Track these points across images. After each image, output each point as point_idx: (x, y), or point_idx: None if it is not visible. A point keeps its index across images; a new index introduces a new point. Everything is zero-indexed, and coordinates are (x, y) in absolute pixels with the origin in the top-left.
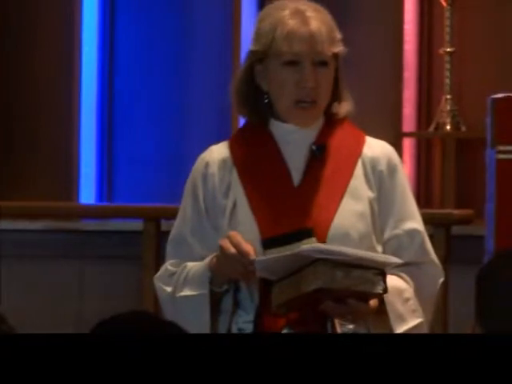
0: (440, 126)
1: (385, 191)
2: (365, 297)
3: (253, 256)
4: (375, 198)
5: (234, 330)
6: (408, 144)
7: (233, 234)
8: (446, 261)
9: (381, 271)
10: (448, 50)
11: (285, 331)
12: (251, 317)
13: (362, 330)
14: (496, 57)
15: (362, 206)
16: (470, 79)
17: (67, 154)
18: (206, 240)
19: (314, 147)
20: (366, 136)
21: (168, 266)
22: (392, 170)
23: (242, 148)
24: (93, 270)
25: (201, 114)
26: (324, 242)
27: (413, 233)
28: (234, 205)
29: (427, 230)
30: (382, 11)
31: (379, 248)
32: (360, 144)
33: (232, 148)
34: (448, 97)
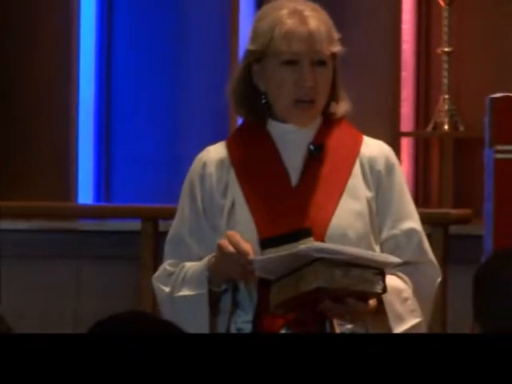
0: (438, 126)
1: (382, 191)
2: (364, 296)
3: (251, 255)
4: (373, 197)
5: (233, 330)
6: (406, 144)
7: (231, 233)
8: (444, 260)
9: (380, 271)
10: (446, 49)
11: (283, 331)
12: (250, 317)
13: (361, 330)
14: (494, 56)
15: (360, 206)
16: (468, 79)
17: (65, 154)
18: (204, 240)
19: (311, 147)
20: (364, 136)
21: (166, 266)
22: (390, 169)
23: (239, 148)
24: (91, 270)
25: (198, 115)
26: (322, 241)
27: (410, 232)
28: (232, 205)
29: (425, 229)
30: (380, 11)
31: (377, 248)
32: (358, 144)
33: (230, 148)
34: (446, 96)
